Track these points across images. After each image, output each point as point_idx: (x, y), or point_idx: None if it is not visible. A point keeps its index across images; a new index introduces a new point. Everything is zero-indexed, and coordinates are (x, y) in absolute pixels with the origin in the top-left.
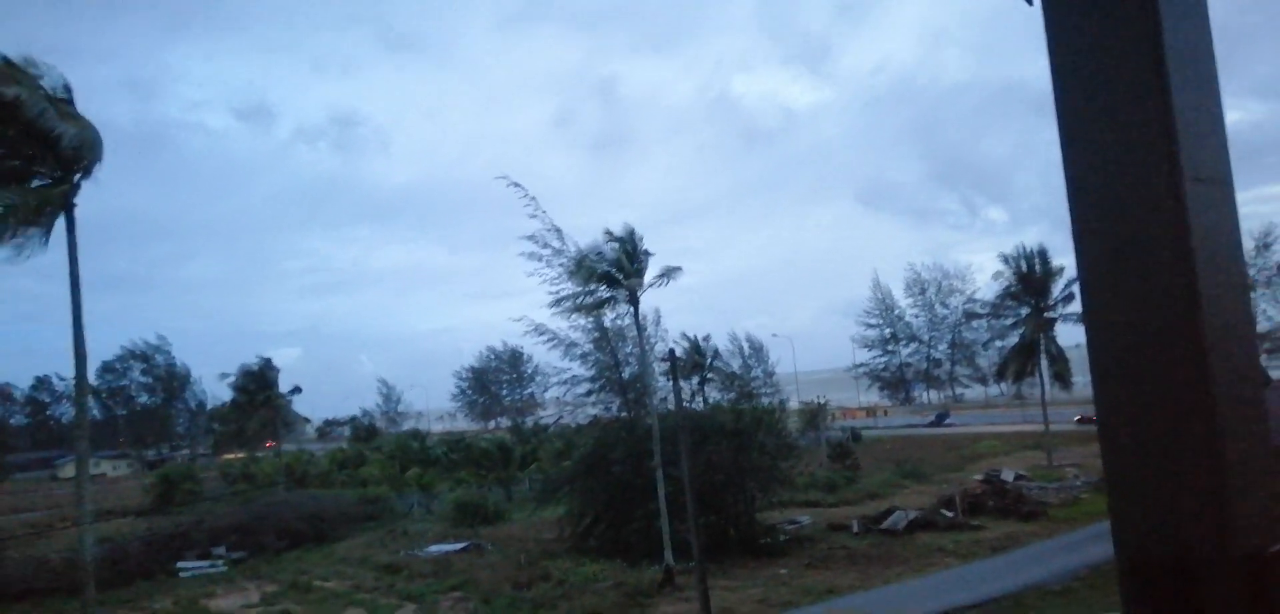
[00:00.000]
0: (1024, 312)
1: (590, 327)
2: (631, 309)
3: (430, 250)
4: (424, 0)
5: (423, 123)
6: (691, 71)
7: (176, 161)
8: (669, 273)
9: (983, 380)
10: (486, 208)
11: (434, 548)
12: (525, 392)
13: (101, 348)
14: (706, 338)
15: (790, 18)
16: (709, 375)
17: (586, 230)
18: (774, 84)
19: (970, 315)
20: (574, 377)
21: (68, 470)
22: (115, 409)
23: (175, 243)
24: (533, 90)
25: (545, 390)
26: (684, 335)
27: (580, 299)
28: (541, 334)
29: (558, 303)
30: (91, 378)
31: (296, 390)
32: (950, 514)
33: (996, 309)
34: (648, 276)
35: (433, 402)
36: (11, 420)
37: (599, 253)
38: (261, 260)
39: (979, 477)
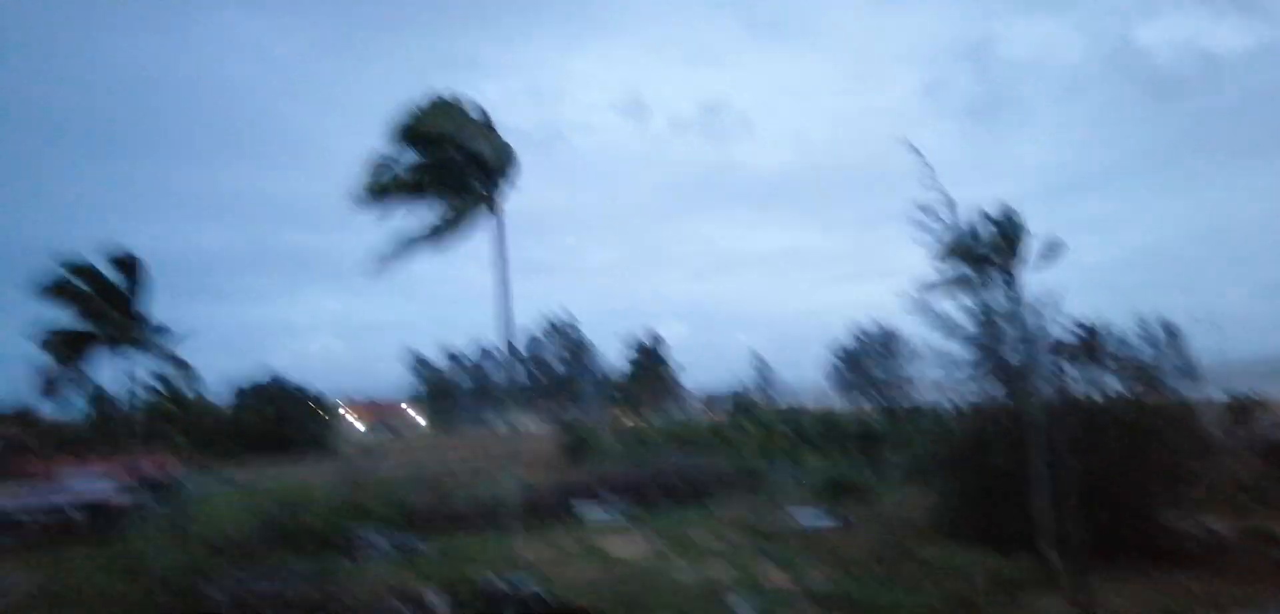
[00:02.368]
0: None
1: (970, 308)
2: (1013, 291)
3: (804, 231)
4: None
5: (789, 105)
6: (1083, 24)
7: (572, 158)
8: (1054, 250)
9: None
10: (857, 188)
11: (804, 520)
12: (899, 372)
13: (526, 323)
14: (1105, 321)
15: None
16: (1107, 362)
17: (961, 205)
18: (1191, 28)
19: None
20: (951, 359)
21: (501, 425)
22: (536, 375)
23: (581, 232)
24: (900, 61)
25: (921, 372)
26: (1078, 319)
27: (956, 280)
28: (917, 314)
29: (934, 285)
30: (516, 347)
31: (682, 365)
32: None
33: None
34: (1029, 256)
35: (806, 379)
36: (461, 383)
37: (975, 232)
38: (652, 246)
39: None
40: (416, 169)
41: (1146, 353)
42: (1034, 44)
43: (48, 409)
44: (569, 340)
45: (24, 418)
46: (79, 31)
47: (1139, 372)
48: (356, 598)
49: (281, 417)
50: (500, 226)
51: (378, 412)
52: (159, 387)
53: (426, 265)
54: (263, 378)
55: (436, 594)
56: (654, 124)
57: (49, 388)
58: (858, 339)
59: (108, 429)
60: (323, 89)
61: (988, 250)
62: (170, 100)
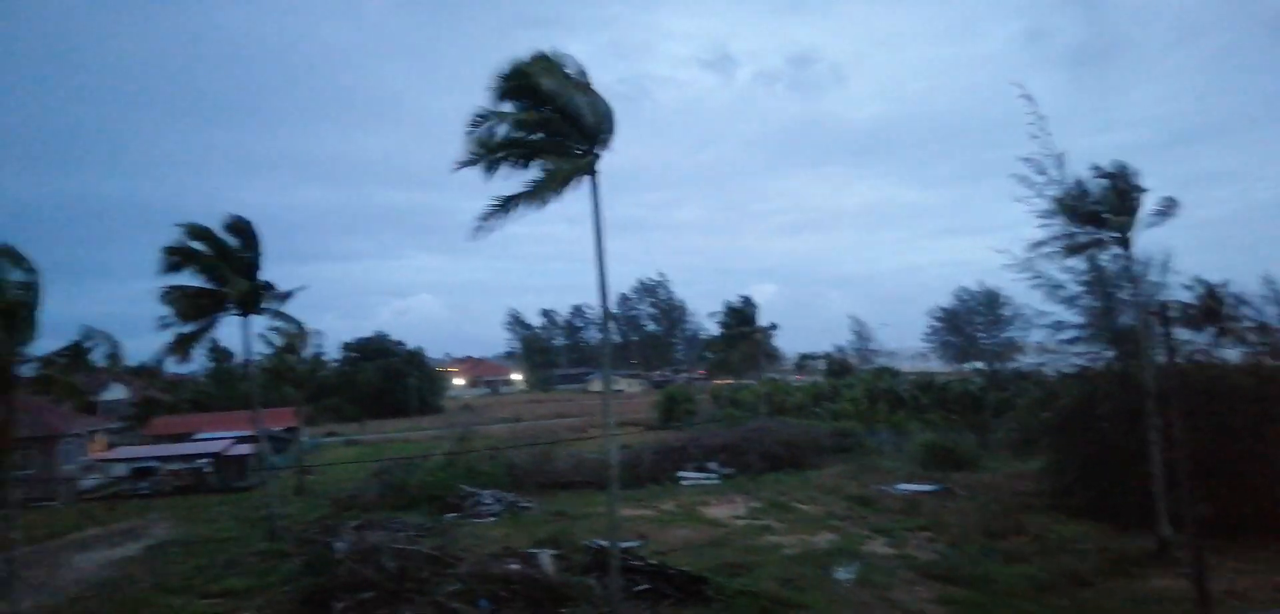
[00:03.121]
0: None
1: (1079, 268)
2: (1125, 249)
3: (899, 186)
4: None
5: (883, 56)
6: None
7: (658, 114)
8: (1169, 208)
9: None
10: (956, 141)
11: (903, 486)
12: (1002, 334)
13: (617, 282)
14: (1226, 282)
15: None
16: (1228, 326)
17: (1069, 159)
18: None
19: None
20: (1059, 322)
21: (595, 384)
22: (629, 335)
23: (669, 190)
24: (1001, 7)
25: (1025, 334)
26: (1196, 280)
27: (1064, 240)
28: (1023, 273)
29: (1040, 244)
30: (610, 308)
31: (774, 326)
32: None
33: None
34: (1143, 212)
35: (904, 341)
36: (554, 342)
37: (1083, 187)
38: (739, 203)
39: None
40: (517, 124)
41: (1273, 316)
42: None
43: (175, 368)
44: (661, 300)
45: (154, 376)
46: (177, 2)
47: (1264, 336)
48: (467, 552)
49: (387, 374)
50: (596, 186)
51: (477, 370)
52: (275, 345)
53: (522, 225)
54: (368, 337)
55: (542, 552)
56: (740, 77)
57: (176, 348)
58: (959, 299)
59: (230, 386)
60: (414, 49)
61: (1098, 206)
62: (269, 65)
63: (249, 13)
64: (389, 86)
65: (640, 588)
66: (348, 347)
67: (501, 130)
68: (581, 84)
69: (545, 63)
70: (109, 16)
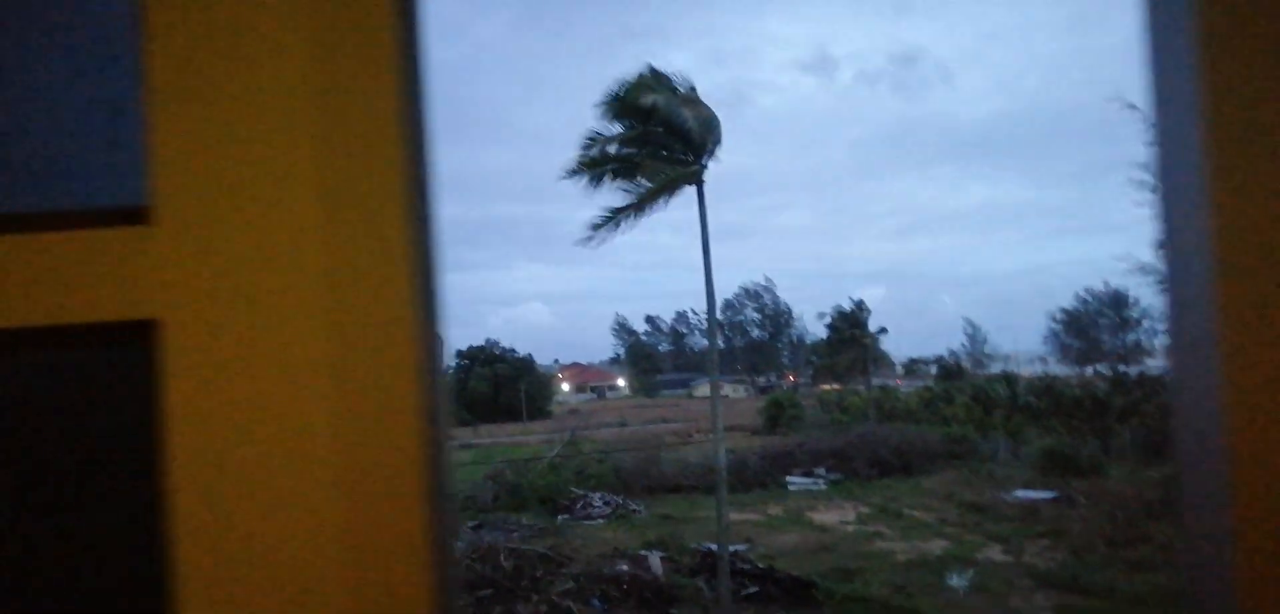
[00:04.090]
0: None
1: None
2: None
3: (1014, 185)
4: None
5: (996, 51)
6: None
7: (760, 120)
8: None
9: None
10: (1077, 137)
11: (1020, 493)
12: (1129, 337)
13: (721, 287)
14: None
15: None
16: None
17: None
18: None
19: None
20: None
21: (700, 389)
22: (733, 340)
23: (772, 195)
24: None
25: (1154, 337)
26: None
27: None
28: (1148, 274)
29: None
30: (716, 313)
31: (883, 330)
32: None
33: None
34: None
35: (1021, 344)
36: (660, 348)
37: None
38: (847, 205)
39: None
40: (627, 141)
41: None
42: None
43: None
44: (765, 306)
45: None
46: None
47: None
48: (578, 553)
49: (498, 380)
50: (702, 193)
51: (584, 376)
52: None
53: (629, 234)
54: (480, 344)
55: (653, 554)
56: (841, 79)
57: None
58: (1081, 300)
59: None
60: (522, 66)
61: None
62: None
63: None
64: (501, 101)
65: (749, 591)
66: (460, 354)
67: (612, 143)
68: (688, 97)
69: (652, 80)
70: None
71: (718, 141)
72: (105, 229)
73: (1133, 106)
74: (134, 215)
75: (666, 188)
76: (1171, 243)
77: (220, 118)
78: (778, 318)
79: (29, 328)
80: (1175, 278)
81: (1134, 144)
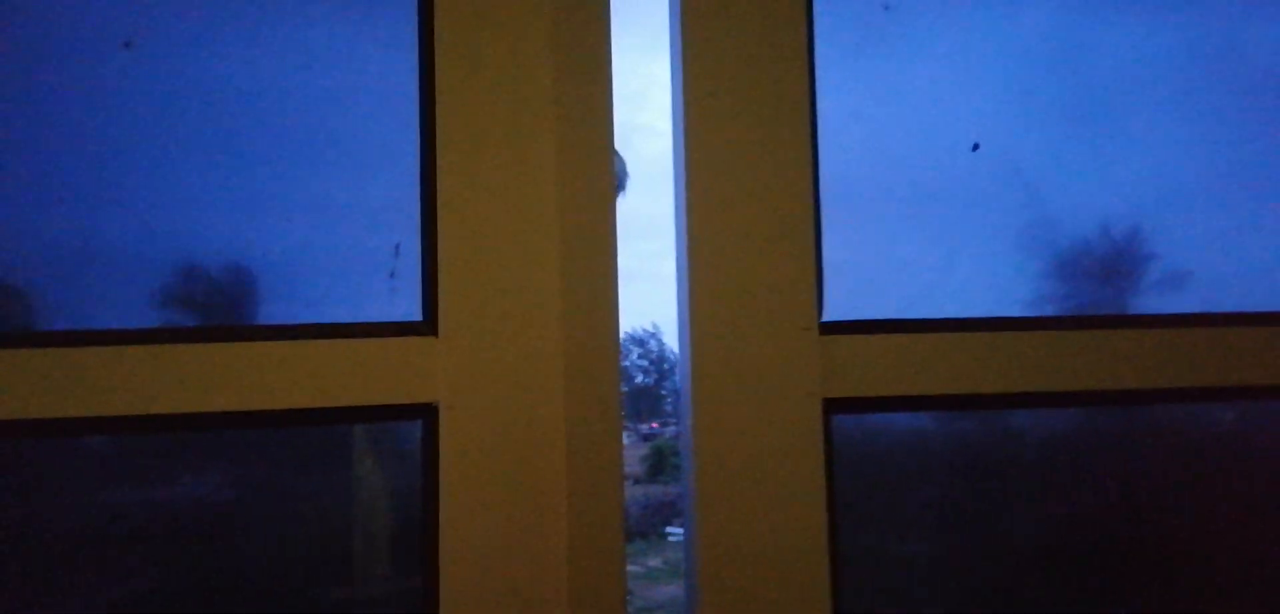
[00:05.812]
0: None
1: None
2: None
3: None
4: None
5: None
6: None
7: (646, 163)
8: None
9: None
10: None
11: None
12: None
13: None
14: None
15: None
16: None
17: None
18: None
19: None
20: None
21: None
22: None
23: (657, 240)
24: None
25: None
26: None
27: None
28: None
29: None
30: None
31: None
32: None
33: None
34: None
35: None
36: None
37: None
38: None
39: None
40: None
41: None
42: None
43: None
44: (651, 352)
45: None
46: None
47: None
48: None
49: None
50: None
51: None
52: None
53: None
54: None
55: None
56: None
57: None
58: None
59: None
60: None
61: None
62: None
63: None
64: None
65: None
66: None
67: None
68: None
69: None
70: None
71: (623, 184)
72: (395, 337)
73: None
74: (418, 328)
75: None
76: None
77: (491, 231)
78: (662, 364)
79: (332, 407)
80: None
81: None
